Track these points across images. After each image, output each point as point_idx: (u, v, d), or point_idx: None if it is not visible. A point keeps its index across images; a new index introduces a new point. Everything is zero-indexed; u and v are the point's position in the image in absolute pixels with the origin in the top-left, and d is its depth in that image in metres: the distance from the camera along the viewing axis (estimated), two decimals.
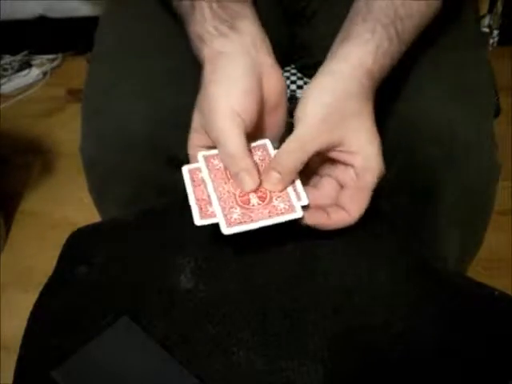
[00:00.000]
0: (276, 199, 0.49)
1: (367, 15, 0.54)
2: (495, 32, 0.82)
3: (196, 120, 0.52)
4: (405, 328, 0.48)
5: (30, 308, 0.52)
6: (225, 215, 0.48)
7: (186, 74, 0.63)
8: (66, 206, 1.35)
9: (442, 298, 0.51)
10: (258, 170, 0.50)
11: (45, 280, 0.54)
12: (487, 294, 0.52)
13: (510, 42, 1.22)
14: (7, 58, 1.77)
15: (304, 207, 0.49)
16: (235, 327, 0.48)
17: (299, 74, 0.83)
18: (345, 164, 0.51)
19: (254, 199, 0.49)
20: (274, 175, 0.49)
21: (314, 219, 0.50)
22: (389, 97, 0.63)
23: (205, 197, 0.50)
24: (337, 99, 0.50)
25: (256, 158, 0.52)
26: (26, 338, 0.50)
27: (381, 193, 0.64)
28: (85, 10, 1.68)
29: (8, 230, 1.34)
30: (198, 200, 0.50)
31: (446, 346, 0.48)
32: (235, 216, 0.48)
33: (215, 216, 0.48)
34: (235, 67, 0.51)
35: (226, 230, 0.47)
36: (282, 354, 0.46)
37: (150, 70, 0.65)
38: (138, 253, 0.55)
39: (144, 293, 0.51)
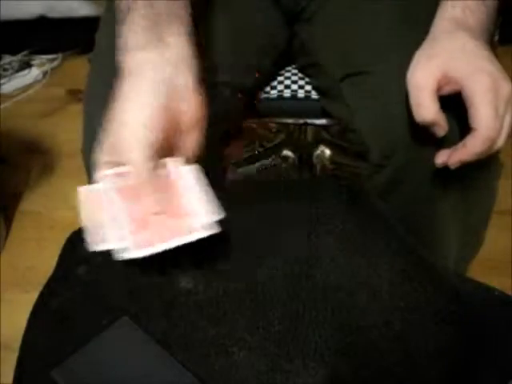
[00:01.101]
0: (187, 216, 0.48)
1: None
2: (496, 31, 0.82)
3: (104, 139, 0.51)
4: (404, 328, 0.48)
5: (30, 308, 0.52)
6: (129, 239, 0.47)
7: None
8: (66, 206, 1.34)
9: (441, 297, 0.51)
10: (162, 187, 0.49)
11: (45, 280, 0.54)
12: (487, 294, 0.52)
13: (510, 41, 1.21)
14: (7, 58, 1.76)
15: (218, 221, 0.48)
16: (235, 327, 0.48)
17: (300, 74, 0.83)
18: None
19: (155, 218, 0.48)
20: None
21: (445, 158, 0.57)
22: (387, 97, 0.63)
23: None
24: (431, 39, 0.58)
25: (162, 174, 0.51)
26: (25, 338, 0.50)
27: (379, 192, 0.64)
28: (85, 10, 1.68)
29: (8, 230, 1.34)
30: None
31: (445, 346, 0.47)
32: (141, 238, 0.47)
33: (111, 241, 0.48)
34: (150, 84, 0.51)
35: (126, 255, 0.47)
36: (282, 354, 0.46)
37: None
38: None
39: (144, 293, 0.51)
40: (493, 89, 0.54)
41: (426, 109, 0.56)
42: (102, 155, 0.51)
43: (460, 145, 0.56)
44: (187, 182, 0.50)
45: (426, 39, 0.59)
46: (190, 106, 0.52)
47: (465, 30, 0.57)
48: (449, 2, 0.59)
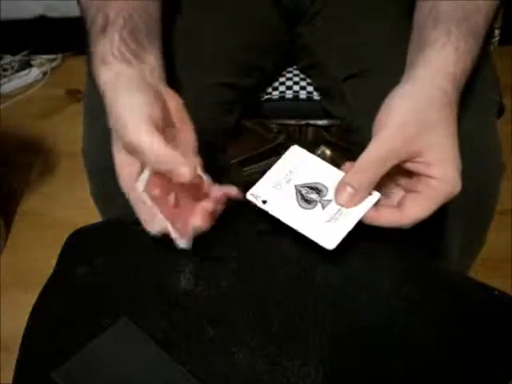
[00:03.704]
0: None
1: (437, 19, 0.53)
2: (496, 31, 0.82)
3: (118, 155, 0.52)
4: (405, 328, 0.48)
5: (30, 308, 0.52)
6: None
7: (182, 76, 0.63)
8: (66, 205, 1.35)
9: (442, 298, 0.51)
10: None
11: (45, 280, 0.54)
12: (487, 294, 0.52)
13: (510, 41, 1.21)
14: (7, 58, 1.76)
15: None
16: (235, 327, 0.48)
17: (302, 75, 0.83)
18: (420, 175, 0.49)
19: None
20: (348, 190, 0.48)
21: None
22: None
23: None
24: (417, 108, 0.49)
25: None
26: (25, 338, 0.50)
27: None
28: None
29: (8, 230, 1.34)
30: None
31: (446, 346, 0.47)
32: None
33: None
34: (133, 83, 0.51)
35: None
36: (282, 355, 0.46)
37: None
38: (138, 253, 0.55)
39: (144, 293, 0.51)
40: (446, 196, 0.49)
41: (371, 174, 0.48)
42: (130, 173, 0.51)
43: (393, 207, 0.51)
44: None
45: (411, 76, 0.51)
46: (175, 100, 0.53)
47: (454, 106, 0.51)
48: (452, 51, 0.51)
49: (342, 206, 0.49)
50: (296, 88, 0.81)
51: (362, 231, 0.51)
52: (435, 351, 0.47)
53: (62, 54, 1.80)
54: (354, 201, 0.49)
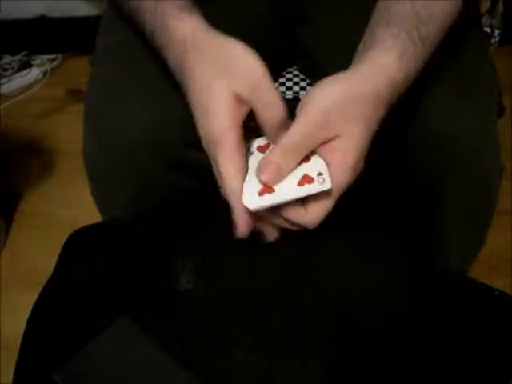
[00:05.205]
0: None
1: (389, 21, 0.53)
2: (496, 32, 0.82)
3: (229, 90, 0.52)
4: (405, 328, 0.48)
5: (30, 308, 0.52)
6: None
7: None
8: (65, 205, 1.35)
9: (441, 297, 0.51)
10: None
11: (45, 280, 0.54)
12: (487, 294, 0.52)
13: (510, 41, 1.21)
14: (7, 58, 1.76)
15: None
16: (235, 327, 0.48)
17: (302, 76, 0.83)
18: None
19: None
20: (273, 167, 0.49)
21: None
22: None
23: None
24: (346, 98, 0.49)
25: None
26: (25, 338, 0.50)
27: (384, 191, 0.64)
28: (85, 10, 1.68)
29: (8, 230, 1.34)
30: None
31: (445, 346, 0.48)
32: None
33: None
34: (216, 60, 0.54)
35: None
36: (281, 355, 0.46)
37: (152, 72, 0.65)
38: (138, 253, 0.55)
39: (144, 293, 0.51)
40: (340, 187, 0.49)
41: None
42: (237, 114, 0.54)
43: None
44: None
45: (352, 68, 0.51)
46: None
47: (382, 109, 0.51)
48: (397, 55, 0.51)
49: (265, 183, 0.49)
50: (296, 88, 0.81)
51: (361, 229, 0.51)
52: (435, 351, 0.47)
53: (61, 54, 1.80)
54: (277, 179, 0.49)
